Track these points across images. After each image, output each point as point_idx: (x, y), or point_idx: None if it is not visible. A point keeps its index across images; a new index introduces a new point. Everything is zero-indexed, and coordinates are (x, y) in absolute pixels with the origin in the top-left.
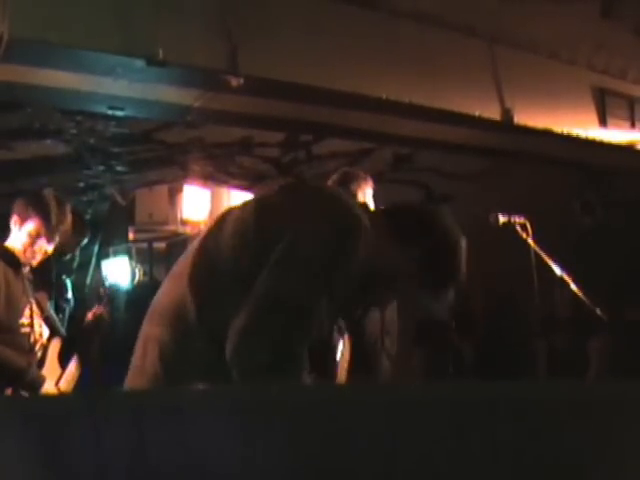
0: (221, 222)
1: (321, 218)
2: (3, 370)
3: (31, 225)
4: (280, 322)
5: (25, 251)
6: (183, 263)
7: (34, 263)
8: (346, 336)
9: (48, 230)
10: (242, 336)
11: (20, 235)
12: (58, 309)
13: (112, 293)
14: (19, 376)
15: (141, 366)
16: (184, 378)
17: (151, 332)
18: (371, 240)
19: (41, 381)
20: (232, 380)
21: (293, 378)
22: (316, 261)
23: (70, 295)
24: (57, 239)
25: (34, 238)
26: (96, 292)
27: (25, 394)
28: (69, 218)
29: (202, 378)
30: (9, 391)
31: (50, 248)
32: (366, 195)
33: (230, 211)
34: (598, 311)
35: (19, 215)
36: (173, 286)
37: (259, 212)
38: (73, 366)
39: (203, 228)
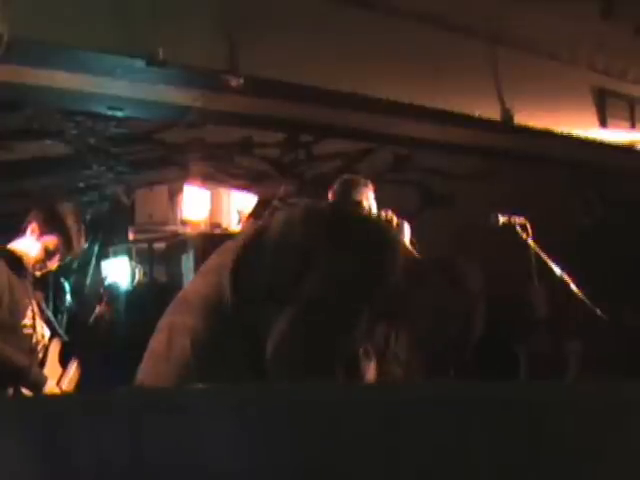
0: (269, 222)
1: (368, 233)
2: (5, 369)
3: (49, 242)
4: (322, 327)
5: (37, 261)
6: (223, 257)
7: (39, 273)
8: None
9: (65, 249)
10: (284, 338)
11: (36, 246)
12: (57, 310)
13: (112, 293)
14: (21, 375)
15: (166, 353)
16: (216, 369)
17: (180, 321)
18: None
19: (43, 380)
20: (261, 378)
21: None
22: (362, 270)
23: (69, 297)
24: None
25: (51, 255)
26: (97, 292)
27: (27, 393)
28: (83, 235)
29: (233, 372)
30: (10, 390)
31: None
32: (369, 199)
33: (279, 211)
34: (598, 311)
35: (39, 228)
36: (212, 278)
37: (309, 218)
38: (73, 367)
39: (249, 225)
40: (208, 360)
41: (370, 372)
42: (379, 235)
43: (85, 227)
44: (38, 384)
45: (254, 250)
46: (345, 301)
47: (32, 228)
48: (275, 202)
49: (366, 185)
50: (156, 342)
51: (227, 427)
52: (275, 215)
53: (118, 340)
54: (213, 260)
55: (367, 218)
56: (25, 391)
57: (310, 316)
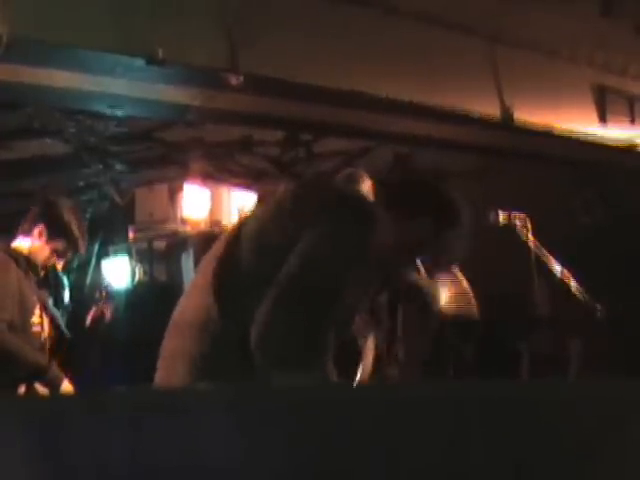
0: (240, 227)
1: (341, 213)
2: (25, 367)
3: (59, 246)
4: (304, 309)
5: (46, 263)
6: (204, 273)
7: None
8: (370, 337)
9: (75, 252)
10: (266, 324)
11: (44, 249)
12: (57, 307)
13: (111, 293)
14: (40, 373)
15: (167, 381)
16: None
17: (176, 345)
18: (385, 224)
19: (61, 378)
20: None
21: (317, 365)
22: (338, 249)
23: (67, 292)
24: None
25: (60, 256)
26: (96, 292)
27: (43, 391)
28: (86, 233)
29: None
30: (24, 388)
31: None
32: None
33: (247, 216)
34: (598, 310)
35: (47, 231)
36: (196, 296)
37: (277, 213)
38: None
39: (221, 238)
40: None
41: (369, 356)
42: (357, 210)
43: (85, 226)
44: (55, 382)
45: (230, 258)
46: (323, 279)
47: (39, 231)
48: None
49: (364, 179)
50: (158, 373)
51: (227, 427)
52: (245, 218)
53: (116, 339)
54: (196, 278)
55: (348, 195)
56: (41, 389)
57: (290, 299)
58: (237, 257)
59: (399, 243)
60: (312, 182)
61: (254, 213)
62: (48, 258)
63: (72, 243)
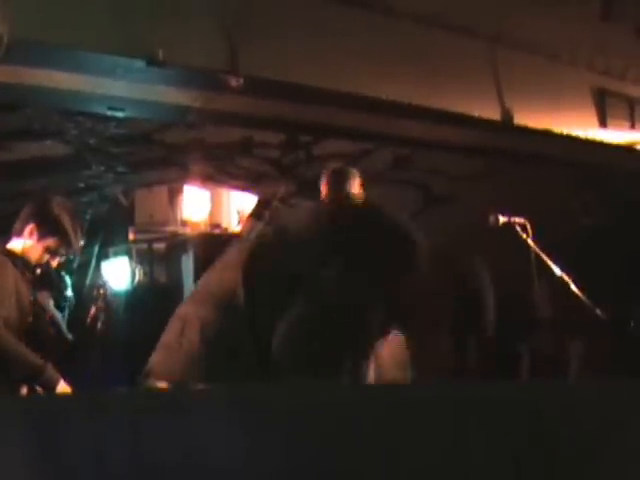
0: (283, 223)
1: (378, 236)
2: (22, 368)
3: (51, 243)
4: (331, 326)
5: (39, 262)
6: (238, 251)
7: (39, 271)
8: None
9: (67, 249)
10: (290, 335)
11: (37, 247)
12: (58, 308)
13: (108, 293)
14: (37, 374)
15: (178, 343)
16: (224, 361)
17: (193, 311)
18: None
19: (57, 379)
20: (267, 373)
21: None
22: (379, 271)
23: (70, 293)
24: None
25: (53, 255)
26: (94, 293)
27: (41, 392)
28: (80, 230)
29: (240, 365)
30: (25, 389)
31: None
32: (358, 189)
33: (293, 214)
34: (598, 311)
35: (37, 229)
36: (225, 272)
37: (320, 223)
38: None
39: (263, 225)
40: (216, 351)
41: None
42: (401, 236)
43: (82, 224)
44: (52, 382)
45: (267, 247)
46: (357, 300)
47: (30, 230)
48: (275, 203)
49: (354, 174)
50: (169, 331)
51: (227, 427)
52: (290, 216)
53: (117, 340)
54: (229, 256)
55: (391, 219)
56: (38, 389)
57: (319, 312)
58: (272, 249)
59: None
60: (356, 206)
61: (295, 217)
62: (41, 257)
63: (64, 240)
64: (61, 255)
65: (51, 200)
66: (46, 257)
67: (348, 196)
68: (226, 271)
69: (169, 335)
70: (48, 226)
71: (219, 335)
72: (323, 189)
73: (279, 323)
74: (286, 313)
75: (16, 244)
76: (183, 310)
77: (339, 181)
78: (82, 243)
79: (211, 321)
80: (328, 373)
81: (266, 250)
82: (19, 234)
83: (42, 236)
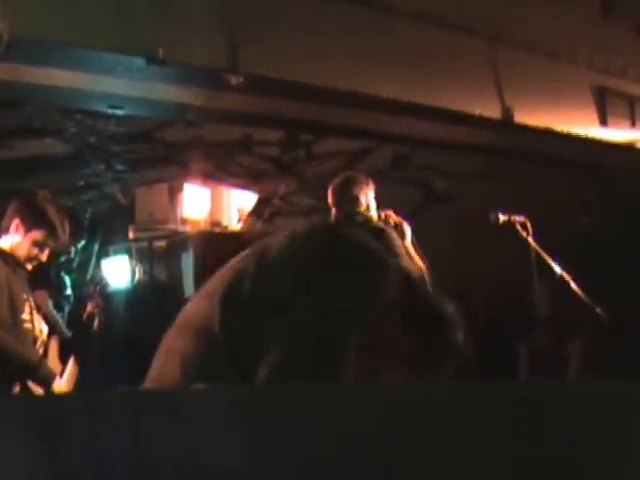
0: (264, 247)
1: (356, 265)
2: (16, 364)
3: (37, 236)
4: (315, 358)
5: (27, 257)
6: (218, 280)
7: (30, 267)
8: None
9: (54, 241)
10: (275, 369)
11: (23, 242)
12: (58, 307)
13: (104, 290)
14: (31, 370)
15: (158, 376)
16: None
17: (175, 343)
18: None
19: (52, 376)
20: None
21: None
22: (353, 299)
23: (69, 292)
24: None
25: (40, 248)
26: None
27: (35, 388)
28: (67, 222)
29: None
30: (19, 386)
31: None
32: (368, 198)
33: (273, 239)
34: (598, 310)
35: (22, 223)
36: (204, 301)
37: (297, 251)
38: (71, 364)
39: (247, 251)
40: (197, 381)
41: None
42: (375, 264)
43: (71, 218)
44: (47, 379)
45: (246, 275)
46: (339, 330)
47: (16, 225)
48: (275, 201)
49: (367, 183)
50: (155, 365)
51: (227, 427)
52: (272, 241)
53: (112, 337)
54: (210, 283)
55: (365, 244)
56: (33, 386)
57: (301, 344)
58: (251, 276)
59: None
60: (324, 229)
61: (275, 243)
62: (29, 251)
63: (51, 231)
64: (49, 248)
65: (36, 194)
66: (34, 251)
67: (350, 212)
68: (205, 299)
69: (155, 369)
70: (34, 219)
71: (197, 367)
72: (330, 197)
73: (260, 368)
74: (266, 354)
75: (4, 241)
76: (167, 342)
77: (345, 186)
78: (69, 238)
79: (190, 352)
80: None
81: (244, 279)
82: (7, 231)
83: (28, 229)
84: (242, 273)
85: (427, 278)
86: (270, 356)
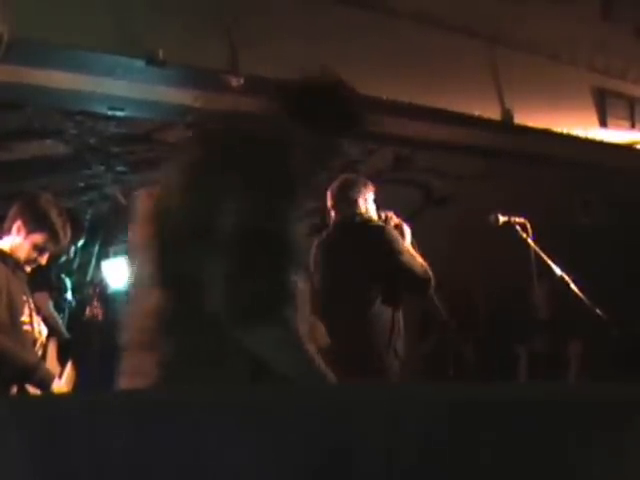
0: (164, 189)
1: (252, 144)
2: (14, 366)
3: (38, 239)
4: (264, 253)
5: (28, 259)
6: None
7: (29, 269)
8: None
9: (55, 245)
10: (229, 280)
11: (24, 244)
12: (58, 309)
13: (105, 292)
14: (30, 372)
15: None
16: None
17: (137, 362)
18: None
19: (51, 378)
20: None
21: (288, 308)
22: (272, 181)
23: (70, 294)
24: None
25: (40, 251)
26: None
27: (34, 391)
28: (68, 226)
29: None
30: (15, 389)
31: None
32: (367, 200)
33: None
34: (598, 311)
35: (24, 225)
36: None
37: (195, 164)
38: (69, 366)
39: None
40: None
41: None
42: (268, 145)
43: (71, 220)
44: (46, 382)
45: (160, 214)
46: (272, 216)
47: (18, 227)
48: None
49: (365, 185)
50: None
51: (227, 427)
52: (164, 183)
53: (112, 338)
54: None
55: (251, 133)
56: (31, 389)
57: (245, 246)
58: (164, 211)
59: (308, 152)
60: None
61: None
62: (29, 254)
63: (52, 235)
64: (49, 252)
65: (39, 196)
66: (34, 254)
67: (352, 212)
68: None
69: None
70: (36, 222)
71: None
72: (329, 200)
73: (211, 273)
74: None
75: (5, 242)
76: (130, 362)
77: (343, 188)
78: (69, 240)
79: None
80: (274, 305)
81: (158, 215)
82: (8, 232)
83: (30, 232)
84: (157, 214)
85: (431, 274)
86: (214, 267)
